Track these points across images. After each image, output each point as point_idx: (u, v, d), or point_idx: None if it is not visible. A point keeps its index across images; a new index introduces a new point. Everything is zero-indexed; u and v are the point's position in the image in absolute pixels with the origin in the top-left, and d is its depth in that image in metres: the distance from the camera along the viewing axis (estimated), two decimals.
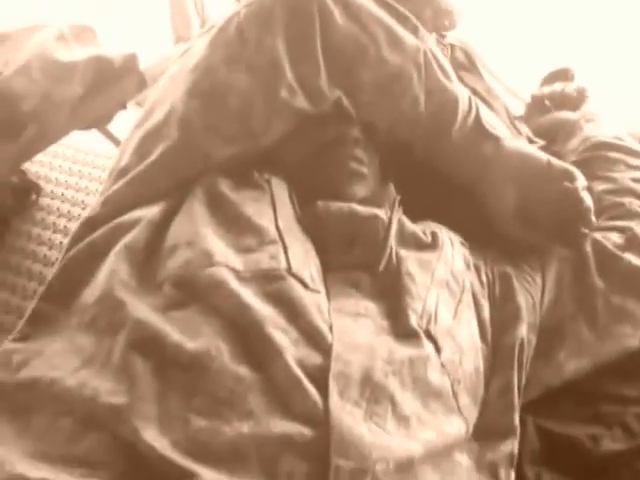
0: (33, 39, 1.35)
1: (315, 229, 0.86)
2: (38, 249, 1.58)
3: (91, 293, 0.77)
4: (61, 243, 1.59)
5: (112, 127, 1.53)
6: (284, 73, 0.88)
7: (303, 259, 0.80)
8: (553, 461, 0.89)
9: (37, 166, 1.75)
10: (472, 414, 0.82)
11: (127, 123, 1.53)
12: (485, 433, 0.83)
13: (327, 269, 0.83)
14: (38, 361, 0.73)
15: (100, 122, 1.46)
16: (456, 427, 0.78)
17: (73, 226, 1.60)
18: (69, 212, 1.67)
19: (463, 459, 0.79)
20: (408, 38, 0.94)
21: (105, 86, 1.37)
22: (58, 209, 1.68)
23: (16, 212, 1.63)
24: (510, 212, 0.99)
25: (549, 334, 0.96)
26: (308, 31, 0.89)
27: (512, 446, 0.83)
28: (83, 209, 1.66)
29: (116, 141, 1.59)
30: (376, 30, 0.92)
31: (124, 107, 1.46)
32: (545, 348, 0.94)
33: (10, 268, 1.54)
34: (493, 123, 1.01)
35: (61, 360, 0.71)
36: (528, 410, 0.91)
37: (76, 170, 1.77)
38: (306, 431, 0.65)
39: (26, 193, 1.66)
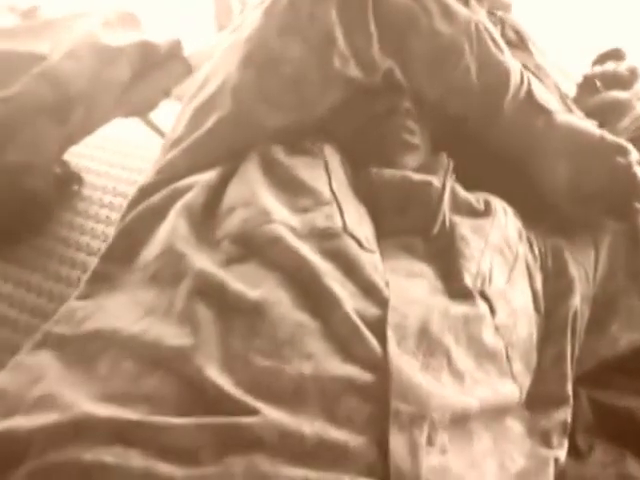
0: (79, 25, 1.37)
1: (368, 195, 0.86)
2: (81, 238, 1.59)
3: (152, 250, 0.79)
4: (103, 233, 1.59)
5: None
6: (337, 42, 0.89)
7: (358, 221, 0.81)
8: (606, 432, 0.88)
9: (77, 158, 1.77)
10: (525, 381, 0.82)
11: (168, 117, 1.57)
12: (538, 401, 0.82)
13: (380, 234, 0.83)
14: (100, 314, 0.74)
15: (144, 109, 1.47)
16: (510, 391, 0.78)
17: (115, 216, 1.62)
18: (111, 203, 1.68)
19: (515, 425, 0.78)
20: (460, 9, 0.95)
21: (151, 71, 1.38)
22: (100, 200, 1.69)
23: (59, 202, 1.64)
24: (562, 186, 0.98)
25: (602, 307, 0.95)
26: (361, 1, 0.89)
27: (565, 414, 0.82)
28: (124, 199, 1.67)
29: (158, 130, 1.61)
30: (428, 1, 0.93)
31: (168, 94, 1.47)
32: (598, 321, 0.94)
33: (53, 257, 1.55)
34: (545, 97, 1.01)
35: (123, 312, 0.72)
36: (581, 382, 0.90)
37: (117, 162, 1.79)
38: (366, 375, 0.65)
39: (68, 184, 1.67)
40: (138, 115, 1.49)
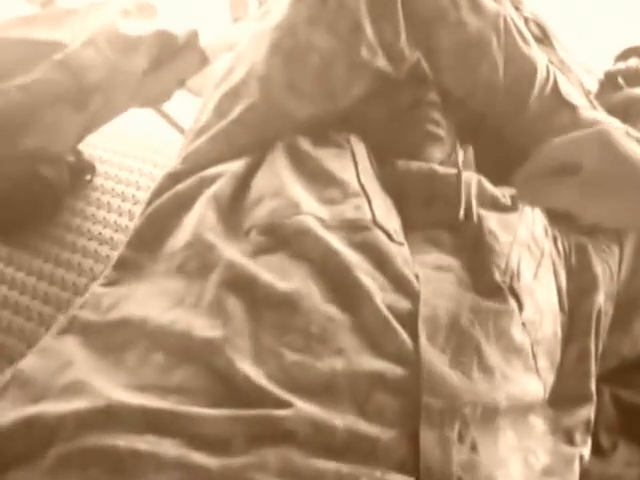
0: (98, 14, 1.37)
1: (395, 187, 0.86)
2: (93, 227, 1.59)
3: (179, 239, 0.78)
4: (116, 222, 1.59)
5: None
6: (365, 33, 0.88)
7: (386, 213, 0.80)
8: (629, 431, 0.87)
9: (91, 149, 1.76)
10: (549, 378, 0.81)
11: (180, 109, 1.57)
12: (561, 399, 0.82)
13: (407, 227, 0.82)
14: (127, 302, 0.73)
15: (161, 99, 1.47)
16: (534, 388, 0.77)
17: (127, 206, 1.62)
18: (123, 193, 1.68)
19: (538, 423, 0.77)
20: (488, 2, 0.94)
21: (168, 61, 1.38)
22: (112, 189, 1.69)
23: (71, 191, 1.64)
24: (588, 182, 0.97)
25: (627, 305, 0.94)
26: None
27: (589, 412, 0.82)
28: (137, 189, 1.67)
29: (171, 121, 1.60)
30: None
31: (183, 84, 1.47)
32: (622, 319, 0.93)
33: (65, 245, 1.55)
34: (570, 92, 1.00)
35: (151, 301, 0.72)
36: (605, 380, 0.89)
37: (129, 152, 1.78)
38: (397, 369, 0.65)
39: (81, 173, 1.67)
40: (153, 105, 1.49)
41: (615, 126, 1.00)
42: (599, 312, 0.89)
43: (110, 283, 0.79)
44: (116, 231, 1.57)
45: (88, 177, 1.68)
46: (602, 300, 0.90)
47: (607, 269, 0.93)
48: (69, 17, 1.38)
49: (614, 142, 0.66)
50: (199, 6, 1.59)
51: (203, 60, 1.44)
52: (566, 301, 0.89)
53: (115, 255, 0.82)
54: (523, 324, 0.77)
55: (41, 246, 1.52)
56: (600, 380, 0.87)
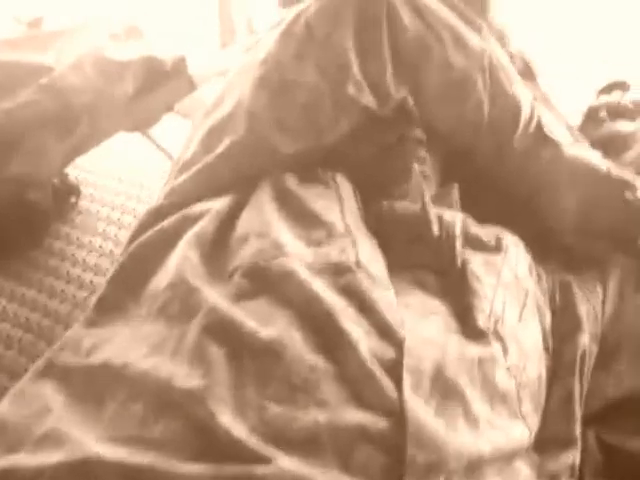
0: (85, 37, 1.36)
1: (380, 227, 0.85)
2: (77, 253, 1.57)
3: (161, 279, 0.77)
4: (100, 247, 1.57)
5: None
6: (352, 70, 0.88)
7: (371, 254, 0.79)
8: (615, 475, 0.87)
9: (77, 170, 1.75)
10: (534, 422, 0.80)
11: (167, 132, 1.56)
12: (546, 443, 0.81)
13: (392, 267, 0.82)
14: (107, 346, 0.72)
15: (147, 124, 1.46)
16: (519, 433, 0.76)
17: (112, 230, 1.61)
18: (108, 216, 1.66)
19: (523, 468, 0.77)
20: (473, 40, 0.94)
21: (155, 87, 1.38)
22: (98, 212, 1.67)
23: (56, 214, 1.62)
24: (570, 220, 0.98)
25: (611, 345, 0.93)
26: (376, 29, 0.89)
27: (573, 457, 0.81)
28: (122, 213, 1.66)
29: (157, 144, 1.59)
30: (442, 30, 0.92)
31: (171, 109, 1.46)
32: (606, 359, 0.92)
33: (49, 271, 1.53)
34: (554, 129, 1.00)
35: (132, 346, 0.70)
36: (590, 423, 0.89)
37: (115, 175, 1.77)
38: (381, 422, 0.64)
39: (66, 196, 1.66)
40: (141, 130, 1.48)
41: (599, 163, 1.00)
42: (583, 353, 0.89)
43: (91, 324, 0.78)
44: (101, 256, 1.56)
45: (73, 200, 1.67)
46: (587, 341, 0.90)
47: (591, 309, 0.93)
48: (55, 39, 1.38)
49: None
50: (187, 31, 1.59)
51: (191, 86, 1.44)
52: (550, 341, 0.89)
53: (96, 295, 0.81)
54: (508, 368, 0.77)
55: (24, 272, 1.51)
56: (585, 423, 0.86)
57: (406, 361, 0.68)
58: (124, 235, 1.52)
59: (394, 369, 0.67)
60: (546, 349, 0.87)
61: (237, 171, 0.87)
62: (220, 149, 0.87)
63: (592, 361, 0.91)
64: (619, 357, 0.94)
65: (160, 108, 1.43)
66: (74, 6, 1.55)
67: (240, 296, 0.72)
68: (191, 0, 1.75)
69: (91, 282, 1.47)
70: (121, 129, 1.41)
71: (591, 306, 0.94)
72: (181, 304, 0.72)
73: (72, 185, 1.68)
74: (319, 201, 0.82)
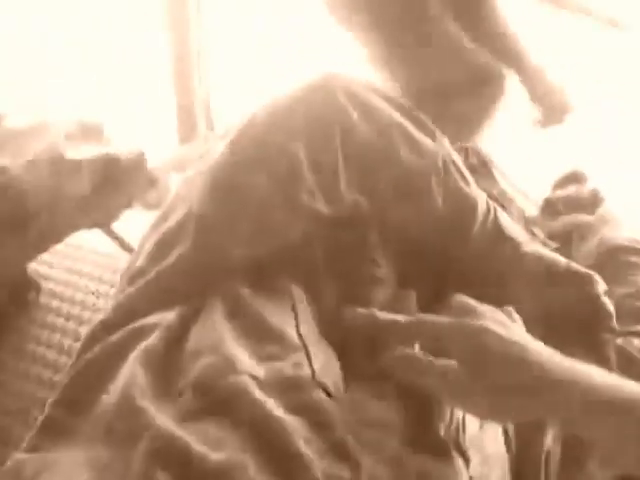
0: (42, 136, 1.36)
1: (336, 335, 0.84)
2: (37, 349, 1.53)
3: (108, 400, 0.74)
4: (60, 342, 1.54)
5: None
6: (304, 177, 0.87)
7: (326, 367, 0.77)
8: None
9: (36, 264, 1.72)
10: None
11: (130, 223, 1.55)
12: None
13: (350, 376, 0.80)
14: (50, 473, 0.68)
15: (107, 221, 1.45)
16: None
17: (71, 326, 1.57)
18: (68, 312, 1.63)
19: None
20: (426, 142, 0.95)
21: (113, 184, 1.37)
22: (58, 308, 1.64)
23: (14, 310, 1.59)
24: (530, 317, 0.97)
25: (577, 443, 0.92)
26: (329, 139, 0.89)
27: None
28: (82, 309, 1.63)
29: (119, 240, 1.58)
30: (394, 134, 0.93)
31: (130, 205, 1.45)
32: (575, 458, 0.91)
33: (7, 369, 1.49)
34: (511, 227, 1.01)
35: (75, 472, 0.67)
36: None
37: (76, 269, 1.74)
38: None
39: (25, 291, 1.63)
40: (101, 226, 1.47)
41: (558, 258, 1.00)
42: (548, 454, 0.87)
43: (33, 449, 0.74)
44: (59, 352, 1.52)
45: (32, 295, 1.64)
46: (550, 441, 0.88)
47: None
48: (11, 139, 1.37)
49: (486, 344, 0.68)
50: (146, 127, 1.60)
51: (150, 181, 1.43)
52: (514, 441, 0.87)
53: (40, 416, 0.78)
54: (470, 478, 0.75)
55: None
56: None
57: None
58: (83, 331, 1.49)
59: None
60: (509, 449, 0.86)
61: (188, 281, 0.85)
62: (170, 260, 0.85)
63: (556, 462, 0.89)
64: (587, 455, 0.92)
65: (119, 204, 1.42)
66: (31, 103, 1.55)
67: (189, 416, 0.69)
68: (148, 93, 1.76)
69: (49, 379, 1.43)
70: (82, 226, 1.39)
71: None
72: (127, 426, 0.70)
73: (31, 280, 1.65)
74: (273, 312, 0.81)
